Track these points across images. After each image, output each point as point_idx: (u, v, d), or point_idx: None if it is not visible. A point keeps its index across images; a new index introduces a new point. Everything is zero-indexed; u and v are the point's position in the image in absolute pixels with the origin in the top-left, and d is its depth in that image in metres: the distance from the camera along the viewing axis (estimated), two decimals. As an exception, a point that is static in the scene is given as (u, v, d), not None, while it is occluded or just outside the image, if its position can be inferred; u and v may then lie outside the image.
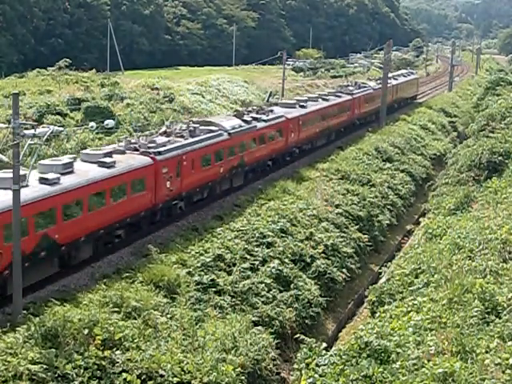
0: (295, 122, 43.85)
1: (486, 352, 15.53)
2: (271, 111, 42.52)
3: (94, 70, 76.43)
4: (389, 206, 39.47)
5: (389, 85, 65.36)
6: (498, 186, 33.68)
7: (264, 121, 39.75)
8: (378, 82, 66.34)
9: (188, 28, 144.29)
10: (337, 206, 35.17)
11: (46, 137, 20.99)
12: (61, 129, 26.70)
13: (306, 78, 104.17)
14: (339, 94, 55.52)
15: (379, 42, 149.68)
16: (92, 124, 32.16)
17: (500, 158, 40.01)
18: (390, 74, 75.30)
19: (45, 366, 17.20)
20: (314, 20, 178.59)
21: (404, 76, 78.97)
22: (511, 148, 40.96)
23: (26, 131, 19.76)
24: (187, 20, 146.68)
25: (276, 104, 48.05)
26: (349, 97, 56.09)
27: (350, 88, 59.43)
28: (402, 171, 46.13)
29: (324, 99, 52.09)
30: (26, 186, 22.01)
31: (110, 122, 30.68)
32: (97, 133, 43.72)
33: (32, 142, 20.94)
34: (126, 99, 56.72)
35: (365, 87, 62.26)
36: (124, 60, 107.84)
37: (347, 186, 38.70)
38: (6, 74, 79.97)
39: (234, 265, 25.99)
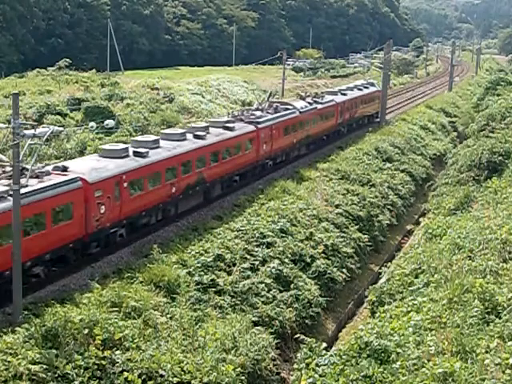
0: (110, 185, 25.97)
1: (486, 352, 15.53)
2: (62, 170, 25.01)
3: (93, 70, 76.59)
4: (389, 206, 39.44)
5: (331, 103, 51.05)
6: (498, 186, 33.69)
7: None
8: (314, 98, 49.82)
9: (188, 28, 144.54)
10: (337, 206, 35.16)
11: (46, 137, 20.97)
12: (61, 129, 26.61)
13: (306, 78, 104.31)
14: (230, 125, 36.19)
15: (379, 42, 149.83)
16: (92, 124, 32.17)
17: (500, 157, 40.04)
18: (335, 89, 60.59)
19: (45, 366, 17.21)
20: (314, 20, 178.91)
21: (359, 89, 60.41)
22: (511, 148, 40.99)
23: (25, 131, 19.76)
24: (187, 20, 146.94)
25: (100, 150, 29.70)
26: (251, 128, 37.80)
27: (257, 113, 40.52)
28: (402, 171, 46.11)
29: (197, 136, 32.92)
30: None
31: (109, 122, 30.64)
32: (97, 133, 43.75)
33: (32, 142, 20.95)
34: (126, 99, 56.78)
35: (286, 110, 43.45)
36: (124, 60, 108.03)
37: (347, 185, 38.69)
38: (6, 74, 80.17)
39: (234, 265, 25.99)
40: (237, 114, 40.49)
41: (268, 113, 41.66)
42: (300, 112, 44.68)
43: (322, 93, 54.54)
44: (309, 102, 47.76)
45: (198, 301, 23.15)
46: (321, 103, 49.12)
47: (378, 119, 62.37)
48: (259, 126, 38.55)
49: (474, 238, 24.03)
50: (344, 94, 55.69)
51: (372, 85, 65.14)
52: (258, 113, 41.03)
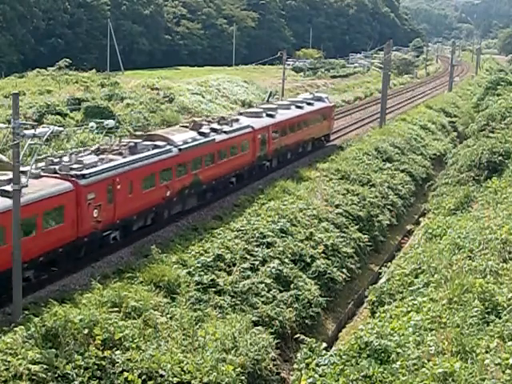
0: None
1: (486, 352, 15.53)
2: None
3: (93, 70, 76.60)
4: (389, 206, 39.42)
5: (245, 130, 37.61)
6: (498, 186, 33.70)
7: None
8: (217, 126, 35.80)
9: (188, 28, 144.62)
10: (337, 206, 35.14)
11: (45, 137, 20.97)
12: (61, 129, 26.57)
13: (306, 78, 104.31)
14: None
15: (379, 41, 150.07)
16: (92, 124, 32.17)
17: (500, 157, 40.04)
18: (259, 108, 44.73)
19: (45, 366, 17.18)
20: (314, 20, 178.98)
21: (298, 107, 46.80)
22: (511, 148, 40.99)
23: (25, 131, 19.76)
24: (187, 20, 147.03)
25: None
26: (64, 186, 24.52)
27: (89, 159, 26.65)
28: (402, 171, 46.08)
29: None
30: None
31: (109, 122, 30.68)
32: (97, 133, 43.74)
33: (32, 142, 20.95)
34: (126, 99, 56.78)
35: (155, 147, 30.07)
36: (124, 60, 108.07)
37: (347, 185, 38.66)
38: (6, 74, 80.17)
39: (234, 265, 25.99)
40: (55, 160, 26.12)
41: (118, 154, 28.11)
42: (180, 149, 30.94)
43: (240, 113, 42.44)
44: (201, 133, 33.49)
45: (197, 301, 23.15)
46: (225, 132, 35.43)
47: (330, 142, 51.97)
48: (82, 181, 24.99)
49: (474, 238, 24.03)
50: (271, 116, 41.87)
51: (320, 99, 51.28)
52: (92, 158, 26.84)
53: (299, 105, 47.36)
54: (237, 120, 38.58)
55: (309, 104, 48.60)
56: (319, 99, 51.34)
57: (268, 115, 41.92)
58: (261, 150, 39.54)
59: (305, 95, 54.73)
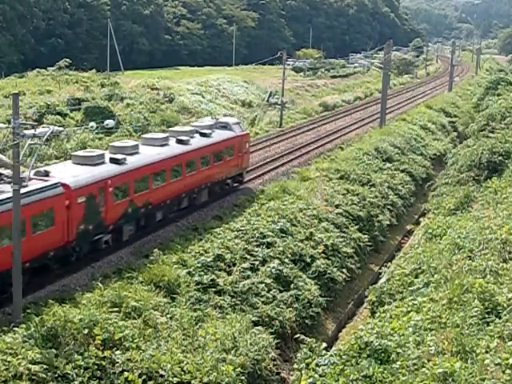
0: None
1: (486, 352, 15.54)
2: None
3: (93, 70, 76.62)
4: (389, 206, 39.41)
5: (72, 182, 24.37)
6: (498, 186, 33.71)
7: None
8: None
9: (188, 28, 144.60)
10: (337, 206, 35.13)
11: (46, 137, 20.97)
12: (61, 129, 26.56)
13: (306, 78, 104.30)
14: None
15: (379, 41, 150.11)
16: (92, 124, 32.15)
17: (500, 157, 40.06)
18: (99, 152, 28.59)
19: (45, 366, 17.20)
20: (314, 20, 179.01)
21: (180, 142, 32.15)
22: (511, 148, 41.00)
23: (25, 131, 19.76)
24: (187, 20, 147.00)
25: None
26: None
27: None
28: (402, 171, 46.05)
29: None
30: None
31: (109, 122, 30.62)
32: (97, 133, 43.75)
33: (32, 142, 20.95)
34: (126, 99, 56.79)
35: None
36: (124, 60, 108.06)
37: (347, 185, 38.64)
38: (6, 74, 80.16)
39: (234, 265, 25.99)
40: None
41: None
42: None
43: (70, 157, 29.88)
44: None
45: (197, 301, 23.15)
46: None
47: (244, 184, 38.69)
48: None
49: (474, 238, 24.03)
50: (117, 162, 27.37)
51: (225, 127, 36.98)
52: None
53: (182, 138, 32.50)
54: (45, 174, 24.32)
55: (203, 135, 34.46)
56: (224, 126, 36.97)
57: (113, 160, 27.44)
58: (87, 220, 25.26)
59: (204, 120, 39.22)
